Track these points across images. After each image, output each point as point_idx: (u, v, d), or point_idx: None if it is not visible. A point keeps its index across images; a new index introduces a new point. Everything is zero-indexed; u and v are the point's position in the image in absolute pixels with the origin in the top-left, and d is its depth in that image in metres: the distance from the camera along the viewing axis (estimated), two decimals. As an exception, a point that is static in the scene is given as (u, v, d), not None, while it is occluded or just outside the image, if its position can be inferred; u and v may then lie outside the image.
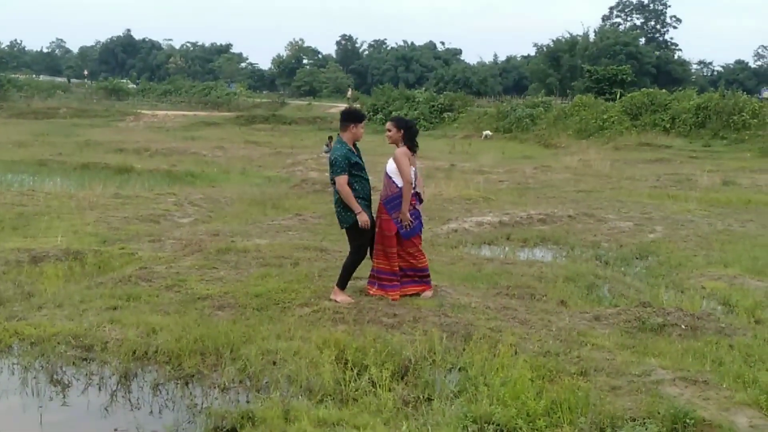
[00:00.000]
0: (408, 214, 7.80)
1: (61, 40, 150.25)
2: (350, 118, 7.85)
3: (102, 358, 6.20)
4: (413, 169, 7.94)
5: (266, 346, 6.24)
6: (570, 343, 6.58)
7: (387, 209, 7.86)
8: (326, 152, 28.38)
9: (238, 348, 6.24)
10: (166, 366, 6.07)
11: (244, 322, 6.91)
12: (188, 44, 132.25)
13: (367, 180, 7.83)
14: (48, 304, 7.56)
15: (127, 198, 15.30)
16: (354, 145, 7.81)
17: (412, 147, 7.97)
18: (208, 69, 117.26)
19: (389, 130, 8.00)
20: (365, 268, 8.27)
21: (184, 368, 6.00)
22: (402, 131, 7.94)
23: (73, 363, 6.15)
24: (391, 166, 7.88)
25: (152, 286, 8.24)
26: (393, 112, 47.68)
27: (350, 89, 79.77)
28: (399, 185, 7.82)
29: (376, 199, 8.06)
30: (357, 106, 52.38)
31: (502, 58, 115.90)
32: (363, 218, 7.60)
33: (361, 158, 7.79)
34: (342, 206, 7.69)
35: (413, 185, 7.89)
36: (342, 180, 7.54)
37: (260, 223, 13.13)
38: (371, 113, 50.47)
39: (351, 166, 7.60)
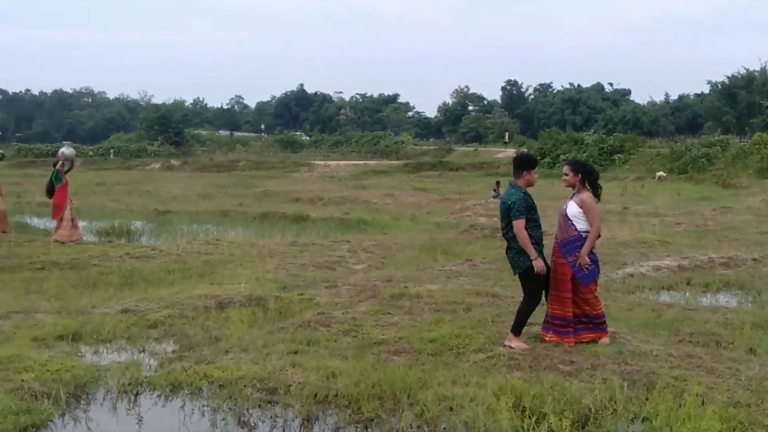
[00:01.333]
0: (587, 257, 7.66)
1: (240, 96, 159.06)
2: (523, 164, 7.84)
3: (285, 401, 6.43)
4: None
5: (442, 392, 6.27)
6: (762, 394, 6.22)
7: (562, 252, 7.75)
8: (494, 197, 28.35)
9: (414, 393, 6.30)
10: (346, 410, 6.21)
11: (420, 367, 6.98)
12: (357, 96, 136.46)
13: (540, 225, 7.78)
14: (234, 348, 7.92)
15: (304, 245, 15.85)
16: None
17: (596, 192, 7.86)
18: (376, 119, 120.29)
19: (566, 174, 7.93)
20: (539, 313, 8.18)
21: (363, 412, 6.12)
22: (579, 175, 7.85)
23: (259, 405, 6.41)
24: (572, 210, 7.78)
25: (330, 331, 8.48)
26: (561, 156, 47.10)
27: (506, 133, 79.63)
28: (578, 228, 7.70)
29: (547, 243, 7.99)
30: (524, 150, 52.10)
31: (673, 96, 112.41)
32: (539, 264, 7.52)
33: (534, 203, 7.76)
34: (516, 251, 7.66)
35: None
36: (520, 224, 7.52)
37: (431, 269, 13.25)
38: (538, 157, 50.04)
39: (527, 210, 7.58)
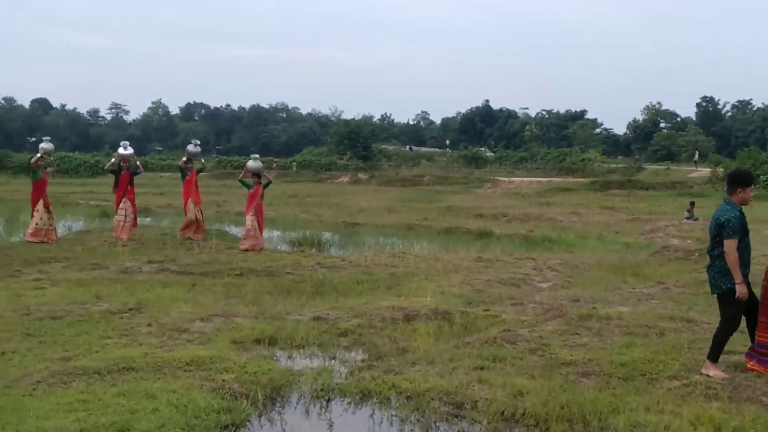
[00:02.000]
0: None
1: (426, 112, 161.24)
2: (738, 180, 7.46)
3: (472, 417, 6.44)
4: None
5: (635, 418, 6.08)
6: None
7: (777, 277, 7.32)
8: (687, 219, 27.16)
9: (605, 417, 6.14)
10: (533, 429, 6.16)
11: (610, 391, 6.79)
12: (543, 112, 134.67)
13: (749, 248, 7.37)
14: (420, 361, 8.03)
15: (489, 261, 15.82)
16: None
17: None
18: (562, 136, 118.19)
19: None
20: (739, 341, 7.78)
21: (551, 433, 6.04)
22: None
23: (446, 419, 6.45)
24: None
25: (516, 349, 8.42)
26: (761, 177, 44.48)
27: (696, 152, 76.11)
28: None
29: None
30: (720, 169, 49.56)
31: None
32: (742, 289, 7.13)
33: (746, 223, 7.36)
34: (718, 270, 7.29)
35: None
36: (732, 244, 7.15)
37: (620, 291, 12.85)
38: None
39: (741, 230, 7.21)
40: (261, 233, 17.98)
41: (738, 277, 7.13)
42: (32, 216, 18.21)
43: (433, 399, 6.75)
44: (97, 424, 5.80)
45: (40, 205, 18.01)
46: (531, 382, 7.08)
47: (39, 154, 18.53)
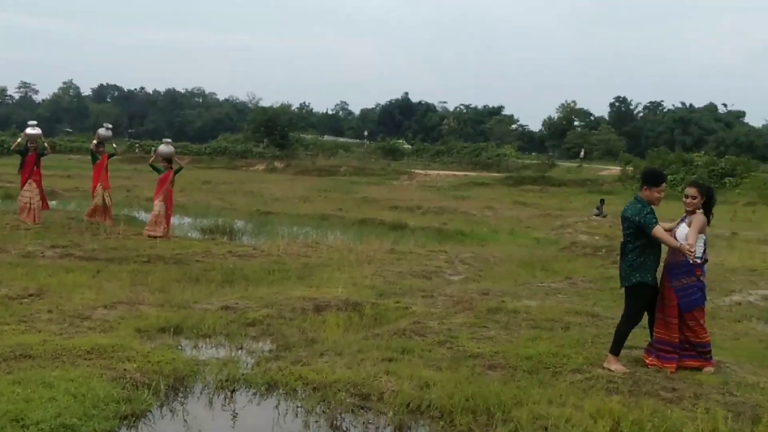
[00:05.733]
0: (685, 244, 7.29)
1: (345, 102, 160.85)
2: (645, 179, 7.60)
3: (378, 408, 6.42)
4: (704, 237, 7.56)
5: (538, 411, 6.15)
6: None
7: (669, 276, 7.50)
8: (596, 215, 27.80)
9: (509, 410, 6.20)
10: (438, 421, 6.17)
11: (515, 384, 6.86)
12: (461, 107, 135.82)
13: (659, 247, 7.53)
14: (329, 352, 7.97)
15: (402, 254, 15.86)
16: None
17: (708, 216, 7.60)
18: (479, 130, 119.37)
19: (693, 197, 7.59)
20: (640, 336, 7.97)
21: (456, 425, 6.06)
22: (704, 199, 7.58)
23: (352, 411, 6.42)
24: (682, 232, 7.51)
25: (425, 341, 8.44)
26: (669, 177, 45.89)
27: (582, 150, 78.39)
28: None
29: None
30: (630, 169, 50.82)
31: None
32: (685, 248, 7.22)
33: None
34: (629, 264, 7.43)
35: (702, 256, 7.50)
36: (657, 229, 7.26)
37: (529, 285, 13.05)
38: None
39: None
40: (169, 220, 17.54)
41: (674, 243, 7.29)
42: None
43: (339, 390, 6.70)
44: (-12, 414, 5.56)
45: None
46: (438, 374, 7.11)
47: None
